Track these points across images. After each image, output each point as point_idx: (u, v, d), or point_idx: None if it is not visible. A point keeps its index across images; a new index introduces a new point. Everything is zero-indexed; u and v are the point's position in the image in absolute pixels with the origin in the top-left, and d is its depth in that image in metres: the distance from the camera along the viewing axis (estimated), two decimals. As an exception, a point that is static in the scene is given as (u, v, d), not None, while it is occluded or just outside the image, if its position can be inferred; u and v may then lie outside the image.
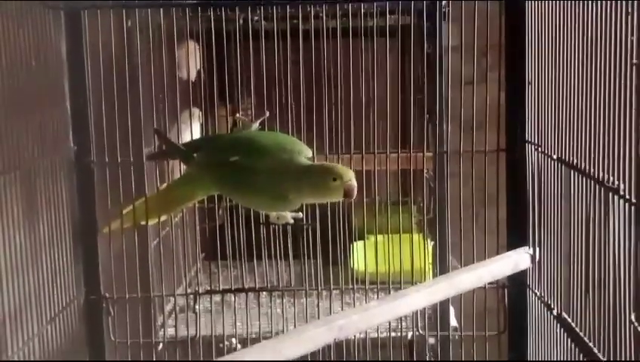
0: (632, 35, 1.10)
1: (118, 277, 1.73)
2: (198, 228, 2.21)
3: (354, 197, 1.45)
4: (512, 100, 1.64)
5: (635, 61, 1.09)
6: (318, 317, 1.80)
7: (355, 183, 1.44)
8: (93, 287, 1.70)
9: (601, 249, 1.24)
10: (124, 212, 1.61)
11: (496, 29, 1.64)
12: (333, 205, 1.90)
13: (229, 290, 1.86)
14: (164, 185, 1.69)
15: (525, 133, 1.62)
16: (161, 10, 1.69)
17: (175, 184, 1.68)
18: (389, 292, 1.76)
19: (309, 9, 1.77)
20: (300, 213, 1.67)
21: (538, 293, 1.59)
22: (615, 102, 1.16)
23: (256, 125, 1.67)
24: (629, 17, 1.10)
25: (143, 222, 1.65)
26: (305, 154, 1.52)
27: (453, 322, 1.96)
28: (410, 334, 1.91)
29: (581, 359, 1.35)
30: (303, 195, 1.49)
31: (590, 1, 1.25)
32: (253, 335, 1.87)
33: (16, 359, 1.36)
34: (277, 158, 1.49)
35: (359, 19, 1.79)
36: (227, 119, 2.33)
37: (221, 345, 1.90)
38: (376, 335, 1.87)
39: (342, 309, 1.87)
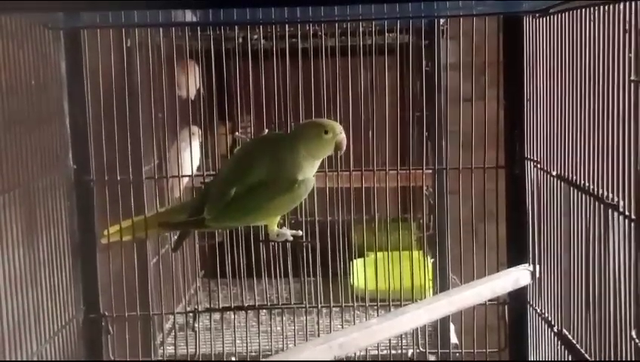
0: (630, 51, 1.10)
1: (117, 296, 1.73)
2: (197, 245, 2.21)
3: (344, 150, 1.52)
4: (511, 117, 1.65)
5: (632, 78, 1.09)
6: (318, 335, 1.80)
7: (344, 136, 1.50)
8: (93, 306, 1.70)
9: (601, 265, 1.24)
10: (124, 225, 1.61)
11: (495, 46, 1.65)
12: (333, 223, 1.90)
13: (229, 308, 1.86)
14: (164, 208, 1.68)
15: (524, 149, 1.63)
16: (161, 29, 1.70)
17: (177, 210, 1.66)
18: (389, 310, 1.76)
19: (307, 28, 1.78)
20: (300, 231, 1.67)
21: (539, 310, 1.58)
22: (613, 118, 1.16)
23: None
24: (627, 35, 1.11)
25: (142, 235, 1.64)
26: None
27: (453, 339, 1.96)
28: (410, 351, 1.91)
29: (582, 376, 1.35)
30: (301, 159, 1.50)
31: (589, 22, 1.26)
32: (253, 354, 1.86)
33: (15, 378, 1.36)
34: (269, 153, 1.52)
35: (358, 37, 1.80)
36: (227, 137, 2.33)
37: (221, 364, 1.89)
38: (376, 352, 1.86)
39: (342, 327, 1.87)
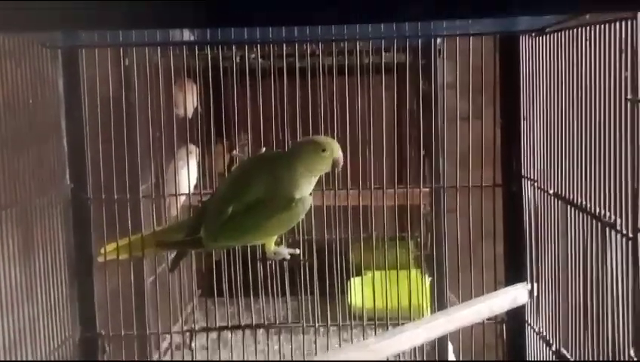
0: (626, 70, 1.11)
1: (113, 315, 1.72)
2: (194, 264, 2.20)
3: (341, 167, 1.53)
4: (508, 135, 1.65)
5: (629, 97, 1.10)
6: (316, 354, 1.79)
7: (341, 154, 1.51)
8: (89, 324, 1.69)
9: (599, 284, 1.24)
10: (121, 244, 1.60)
11: (491, 65, 1.66)
12: (331, 241, 1.90)
13: (226, 327, 1.85)
14: (161, 227, 1.67)
15: (521, 168, 1.63)
16: (159, 48, 1.71)
17: (174, 229, 1.66)
18: (387, 329, 1.75)
19: (305, 47, 1.79)
20: (297, 249, 1.66)
21: (536, 329, 1.58)
22: (610, 137, 1.17)
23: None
24: (622, 54, 1.12)
25: (139, 254, 1.64)
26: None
27: (451, 358, 1.95)
28: (408, 371, 1.90)
29: (581, 395, 1.34)
30: (298, 177, 1.50)
31: (584, 41, 1.27)
32: (250, 373, 1.85)
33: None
34: (267, 171, 1.52)
35: (355, 56, 1.80)
36: (224, 156, 2.33)
37: (218, 383, 1.88)
38: (374, 372, 1.85)
39: (340, 346, 1.86)
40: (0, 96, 1.35)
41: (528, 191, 1.60)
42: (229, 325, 1.85)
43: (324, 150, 1.49)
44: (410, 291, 1.81)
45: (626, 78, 1.11)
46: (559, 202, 1.42)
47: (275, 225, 1.53)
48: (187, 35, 1.55)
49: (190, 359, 1.86)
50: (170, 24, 1.24)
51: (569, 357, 1.40)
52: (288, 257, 1.64)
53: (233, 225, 1.51)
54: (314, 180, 1.53)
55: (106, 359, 1.71)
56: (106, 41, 1.58)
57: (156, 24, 1.22)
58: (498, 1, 1.03)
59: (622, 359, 1.15)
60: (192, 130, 2.01)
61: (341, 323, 1.86)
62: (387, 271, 1.79)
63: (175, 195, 1.82)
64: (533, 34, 1.52)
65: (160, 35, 1.52)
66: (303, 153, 1.50)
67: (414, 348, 1.82)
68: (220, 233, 1.52)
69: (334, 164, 1.51)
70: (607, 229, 1.19)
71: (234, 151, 1.70)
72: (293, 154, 1.51)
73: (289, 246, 1.89)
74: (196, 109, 2.18)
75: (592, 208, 1.26)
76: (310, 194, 1.53)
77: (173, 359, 1.85)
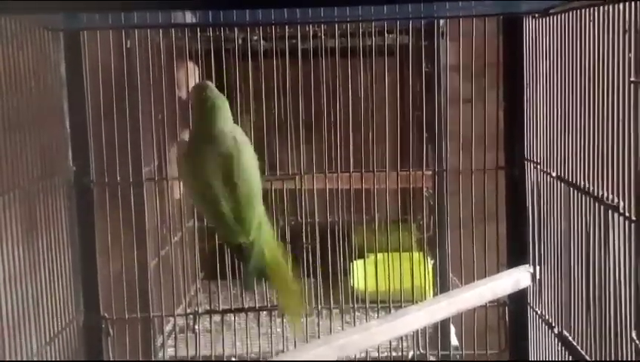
0: (630, 52, 1.10)
1: (117, 298, 1.72)
2: (197, 247, 2.21)
3: None
4: (511, 118, 1.65)
5: (632, 78, 1.09)
6: (319, 337, 1.80)
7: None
8: (93, 307, 1.69)
9: (601, 266, 1.24)
10: None
11: (495, 47, 1.65)
12: (333, 224, 1.90)
13: (229, 310, 1.85)
14: None
15: (524, 150, 1.63)
16: (161, 30, 1.70)
17: None
18: (390, 311, 1.76)
19: (307, 29, 1.78)
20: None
21: (539, 311, 1.58)
22: (613, 119, 1.16)
23: None
24: (627, 35, 1.11)
25: None
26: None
27: (454, 341, 1.95)
28: (411, 353, 1.90)
29: (583, 377, 1.34)
30: (229, 122, 1.45)
31: (588, 22, 1.26)
32: (253, 355, 1.86)
33: (15, 380, 1.36)
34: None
35: (358, 38, 1.80)
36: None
37: (221, 365, 1.89)
38: (376, 354, 1.86)
39: (342, 328, 1.87)
40: (2, 79, 1.35)
41: (531, 174, 1.59)
42: (232, 308, 1.85)
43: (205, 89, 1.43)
44: (413, 274, 1.81)
45: (629, 59, 1.10)
46: (562, 185, 1.41)
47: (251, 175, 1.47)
48: (189, 17, 1.54)
49: (194, 341, 1.87)
50: (172, 6, 1.24)
51: (571, 339, 1.40)
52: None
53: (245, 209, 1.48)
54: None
55: (109, 342, 1.71)
56: (107, 24, 1.57)
57: (158, 6, 1.22)
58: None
59: (624, 342, 1.15)
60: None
61: (344, 306, 1.87)
62: (390, 254, 1.79)
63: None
64: (537, 15, 1.51)
65: (162, 17, 1.51)
66: (197, 102, 1.44)
67: (417, 331, 1.83)
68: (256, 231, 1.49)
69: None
70: (610, 212, 1.19)
71: None
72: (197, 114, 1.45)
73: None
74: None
75: (595, 191, 1.25)
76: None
77: (177, 342, 1.86)
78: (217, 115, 1.43)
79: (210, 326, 1.90)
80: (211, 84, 1.46)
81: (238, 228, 1.46)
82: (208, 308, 1.87)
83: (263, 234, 1.51)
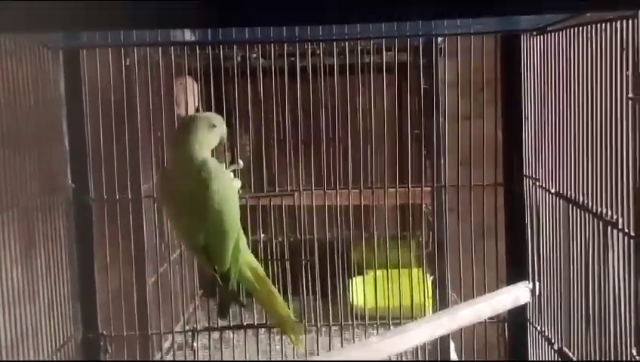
0: (627, 69, 1.11)
1: (115, 315, 1.72)
2: (195, 264, 2.20)
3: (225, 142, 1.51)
4: (509, 134, 1.65)
5: (630, 95, 1.10)
6: (318, 354, 1.79)
7: (225, 128, 1.49)
8: (91, 325, 1.69)
9: (601, 283, 1.24)
10: None
11: (492, 64, 1.66)
12: (332, 241, 1.90)
13: (228, 327, 1.85)
14: None
15: (523, 167, 1.63)
16: (160, 48, 1.71)
17: None
18: (389, 328, 1.75)
19: (306, 46, 1.79)
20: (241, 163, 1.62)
21: (539, 328, 1.58)
22: (612, 136, 1.17)
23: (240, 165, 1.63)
24: (624, 53, 1.12)
25: None
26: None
27: (453, 357, 1.95)
28: (410, 370, 1.90)
29: (583, 394, 1.34)
30: (203, 152, 1.44)
31: (586, 40, 1.26)
32: (252, 373, 1.85)
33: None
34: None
35: (356, 56, 1.80)
36: (225, 155, 2.33)
37: (220, 383, 1.88)
38: (376, 371, 1.85)
39: (342, 345, 1.86)
40: (1, 96, 1.35)
41: (530, 190, 1.60)
42: (231, 325, 1.85)
43: (214, 126, 1.46)
44: (412, 290, 1.81)
45: (627, 76, 1.11)
46: (561, 201, 1.42)
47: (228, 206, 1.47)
48: (188, 35, 1.55)
49: (192, 359, 1.86)
50: (171, 24, 1.24)
51: (571, 356, 1.40)
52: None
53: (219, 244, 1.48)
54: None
55: (108, 359, 1.71)
56: (107, 42, 1.58)
57: (157, 24, 1.22)
58: (499, 0, 1.03)
59: (624, 358, 1.15)
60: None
61: (343, 323, 1.86)
62: (389, 271, 1.79)
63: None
64: (535, 33, 1.51)
65: (161, 36, 1.51)
66: (198, 131, 1.44)
67: (416, 348, 1.82)
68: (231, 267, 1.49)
69: (222, 138, 1.49)
70: (609, 228, 1.19)
71: (234, 165, 1.66)
72: (192, 140, 1.44)
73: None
74: (197, 109, 2.17)
75: (594, 207, 1.26)
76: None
77: (175, 359, 1.85)
78: (191, 145, 1.43)
79: (209, 344, 1.89)
80: (206, 115, 1.47)
81: (212, 258, 1.47)
82: (207, 325, 1.87)
83: (243, 257, 1.51)
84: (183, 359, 1.93)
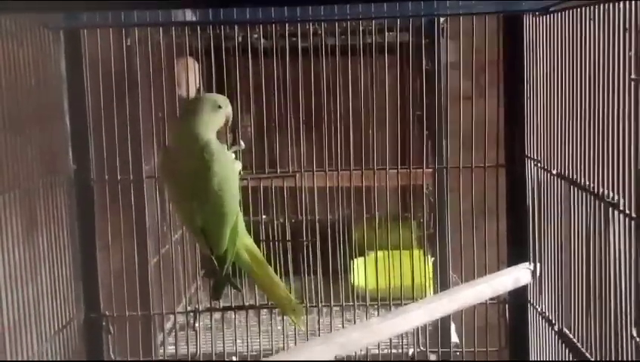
0: (630, 50, 1.10)
1: (117, 295, 1.73)
2: (197, 245, 2.20)
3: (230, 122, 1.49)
4: (511, 116, 1.65)
5: (633, 76, 1.09)
6: (319, 334, 1.80)
7: (230, 109, 1.48)
8: (93, 305, 1.70)
9: (601, 264, 1.24)
10: None
11: (495, 45, 1.65)
12: (334, 222, 1.90)
13: (229, 308, 1.85)
14: None
15: (525, 148, 1.63)
16: (161, 28, 1.70)
17: None
18: (390, 309, 1.76)
19: (307, 26, 1.78)
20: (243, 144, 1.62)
21: (539, 309, 1.58)
22: (614, 117, 1.16)
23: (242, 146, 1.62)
24: (627, 33, 1.11)
25: None
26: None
27: (454, 338, 1.96)
28: (411, 351, 1.90)
29: (583, 374, 1.35)
30: (207, 133, 1.44)
31: (589, 20, 1.26)
32: (254, 353, 1.86)
33: (16, 378, 1.36)
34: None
35: (358, 36, 1.80)
36: (227, 136, 2.33)
37: (221, 363, 1.89)
38: (377, 351, 1.86)
39: (342, 326, 1.87)
40: (2, 77, 1.35)
41: (531, 172, 1.60)
42: (233, 305, 1.85)
43: (219, 106, 1.45)
44: (413, 271, 1.81)
45: (629, 57, 1.10)
46: (562, 182, 1.42)
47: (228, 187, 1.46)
48: (189, 14, 1.54)
49: (194, 339, 1.87)
50: (172, 4, 1.24)
51: (571, 336, 1.40)
52: None
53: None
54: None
55: (110, 339, 1.71)
56: (107, 22, 1.57)
57: (158, 4, 1.22)
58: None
59: (624, 338, 1.15)
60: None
61: (344, 304, 1.87)
62: (390, 252, 1.79)
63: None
64: (537, 13, 1.51)
65: (162, 16, 1.51)
66: (204, 111, 1.44)
67: (417, 328, 1.83)
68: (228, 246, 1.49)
69: (227, 119, 1.48)
70: (610, 209, 1.19)
71: (235, 146, 1.65)
72: (199, 120, 1.44)
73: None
74: (198, 90, 2.17)
75: (595, 188, 1.26)
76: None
77: (177, 339, 1.86)
78: (195, 125, 1.43)
79: (211, 324, 1.90)
80: (212, 96, 1.46)
81: (210, 240, 1.47)
82: (209, 305, 1.87)
83: (241, 240, 1.51)
84: (185, 339, 1.94)
